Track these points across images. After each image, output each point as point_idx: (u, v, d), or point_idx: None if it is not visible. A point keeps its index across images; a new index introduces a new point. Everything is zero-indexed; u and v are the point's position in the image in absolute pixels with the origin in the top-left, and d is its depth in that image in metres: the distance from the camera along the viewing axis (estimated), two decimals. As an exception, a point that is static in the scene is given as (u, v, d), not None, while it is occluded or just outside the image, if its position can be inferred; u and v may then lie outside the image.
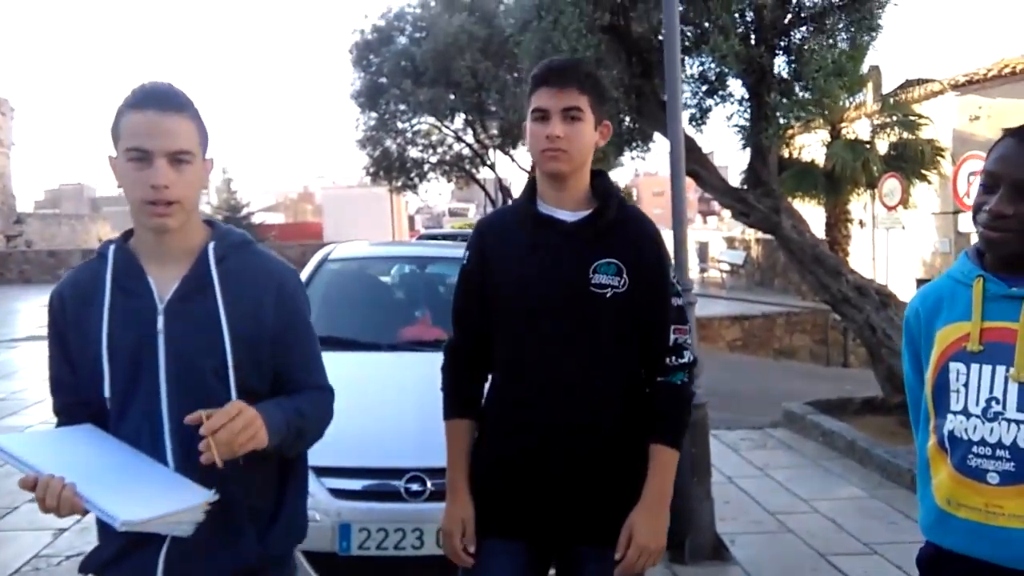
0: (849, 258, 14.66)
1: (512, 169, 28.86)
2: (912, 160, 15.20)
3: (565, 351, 1.85)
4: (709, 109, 6.55)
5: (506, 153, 23.41)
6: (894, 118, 15.73)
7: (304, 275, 4.35)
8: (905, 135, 15.53)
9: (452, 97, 19.93)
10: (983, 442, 1.54)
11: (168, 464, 1.54)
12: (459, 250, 6.03)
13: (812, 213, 13.17)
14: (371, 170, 23.67)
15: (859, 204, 16.77)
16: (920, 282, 16.84)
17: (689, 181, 5.33)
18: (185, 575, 1.56)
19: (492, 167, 24.75)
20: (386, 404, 3.31)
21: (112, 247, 1.64)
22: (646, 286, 1.87)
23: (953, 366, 1.59)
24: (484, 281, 1.94)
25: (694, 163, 6.15)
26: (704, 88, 6.54)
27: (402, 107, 21.24)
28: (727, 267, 22.28)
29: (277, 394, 1.63)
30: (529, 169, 22.62)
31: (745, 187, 6.89)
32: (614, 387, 1.87)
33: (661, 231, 2.04)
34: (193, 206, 1.60)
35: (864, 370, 11.94)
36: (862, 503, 4.99)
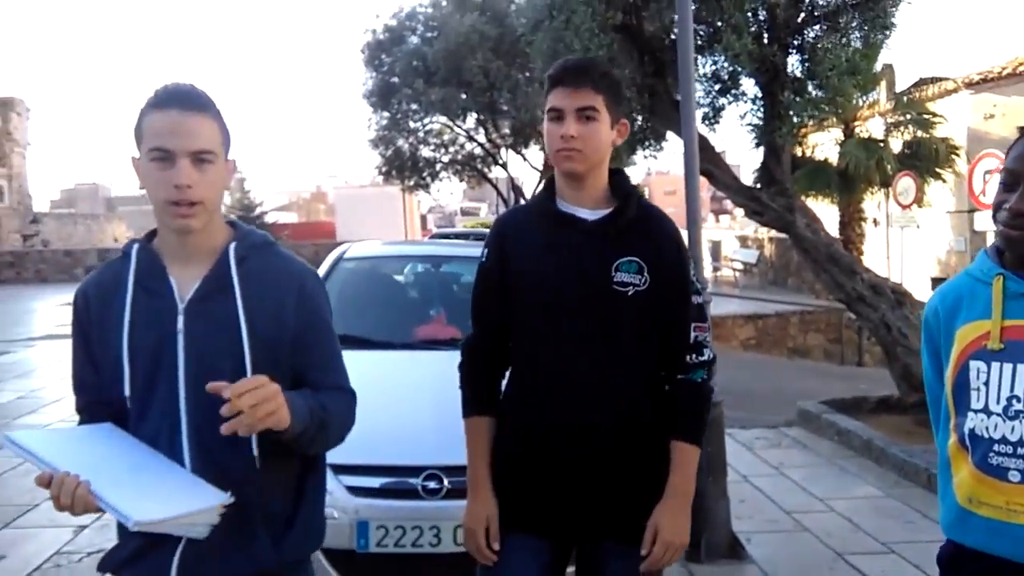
0: (863, 257, 14.60)
1: (524, 168, 28.83)
2: (926, 158, 15.12)
3: (587, 349, 1.86)
4: (722, 108, 6.54)
5: (518, 152, 23.42)
6: (908, 116, 15.65)
7: (319, 274, 4.38)
8: (919, 133, 15.45)
9: (464, 96, 19.96)
10: (1004, 440, 1.54)
11: (185, 465, 1.53)
12: (473, 249, 6.09)
13: (825, 212, 13.11)
14: (383, 169, 23.72)
15: (873, 203, 16.69)
16: (935, 281, 16.75)
17: (702, 180, 5.32)
18: None
19: (504, 166, 24.76)
20: (403, 402, 3.33)
21: (136, 246, 1.64)
22: (667, 284, 1.88)
23: (973, 364, 1.59)
24: (503, 279, 1.95)
25: (707, 162, 6.14)
26: (717, 87, 6.53)
27: (414, 107, 21.28)
28: (740, 266, 22.21)
29: None
30: (541, 168, 22.65)
31: (759, 186, 6.87)
32: (635, 384, 1.88)
33: None
34: (216, 206, 1.60)
35: (879, 369, 11.88)
36: (878, 502, 4.97)
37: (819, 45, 5.90)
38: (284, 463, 1.61)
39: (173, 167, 1.51)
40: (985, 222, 9.12)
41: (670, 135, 6.95)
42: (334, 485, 2.93)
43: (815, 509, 4.85)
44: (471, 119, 22.41)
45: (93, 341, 1.61)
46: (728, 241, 25.64)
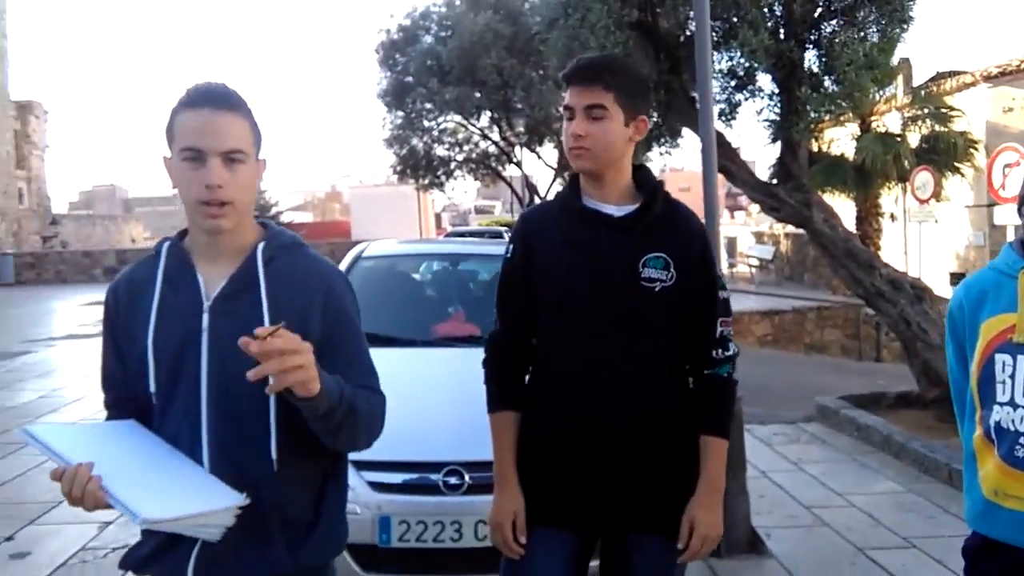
0: (880, 252, 14.51)
1: (539, 166, 28.84)
2: (944, 153, 15.00)
3: (612, 344, 1.86)
4: (738, 104, 6.52)
5: (532, 150, 23.43)
6: (925, 110, 15.54)
7: (340, 273, 4.41)
8: (937, 127, 15.33)
9: (478, 95, 20.01)
10: (1030, 432, 1.54)
11: (203, 464, 1.52)
12: (490, 247, 6.11)
13: (842, 207, 13.05)
14: (398, 169, 23.82)
15: (890, 198, 16.58)
16: (954, 276, 16.61)
17: (718, 177, 5.31)
18: None
19: (519, 164, 24.77)
20: (423, 399, 3.35)
21: (166, 244, 1.65)
22: (694, 280, 1.89)
23: (999, 357, 1.59)
24: (527, 274, 1.95)
25: (724, 158, 6.13)
26: (733, 83, 6.51)
27: (428, 106, 21.35)
28: (756, 262, 22.12)
29: None
30: (556, 166, 22.64)
31: (775, 181, 6.84)
32: (661, 379, 1.89)
33: None
34: (246, 207, 1.59)
35: (897, 365, 11.80)
36: (899, 497, 4.96)
37: (836, 40, 5.87)
38: (304, 467, 1.58)
39: (204, 167, 1.50)
40: (1005, 216, 9.04)
41: (685, 131, 6.94)
42: (356, 481, 2.96)
43: (835, 504, 4.84)
44: (485, 117, 22.48)
45: (121, 337, 1.62)
46: (744, 237, 25.54)
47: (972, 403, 1.67)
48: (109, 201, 59.30)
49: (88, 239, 34.17)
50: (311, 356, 1.37)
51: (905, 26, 5.98)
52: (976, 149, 15.31)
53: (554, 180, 24.47)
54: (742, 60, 6.18)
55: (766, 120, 6.44)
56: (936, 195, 13.22)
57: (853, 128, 15.83)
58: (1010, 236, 10.04)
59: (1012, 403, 1.57)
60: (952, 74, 17.33)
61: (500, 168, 25.78)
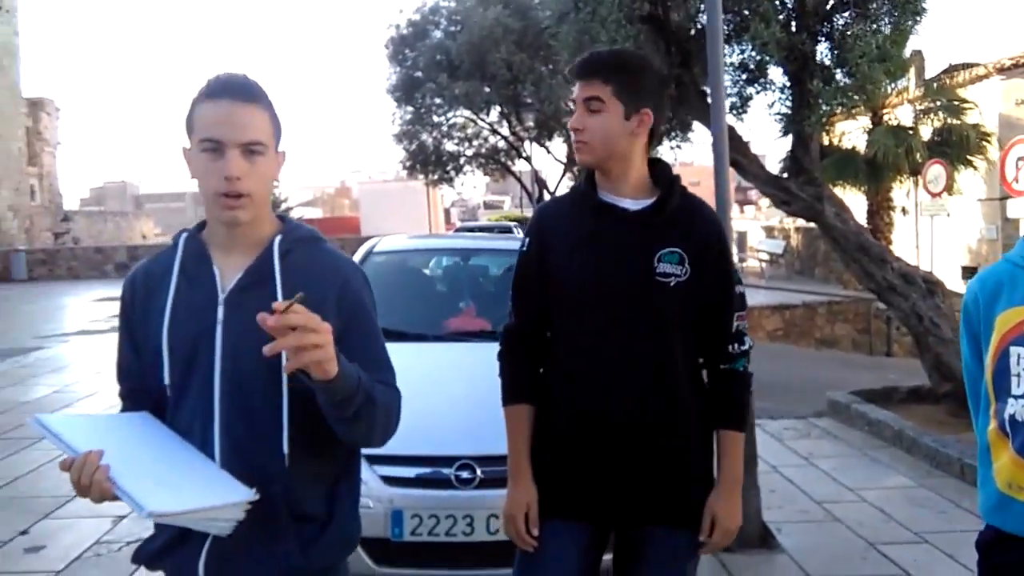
0: (892, 246, 14.44)
1: (548, 161, 28.80)
2: (957, 146, 14.92)
3: (626, 338, 1.86)
4: (750, 98, 6.49)
5: (542, 145, 23.40)
6: (938, 103, 15.45)
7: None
8: (949, 120, 15.24)
9: (487, 90, 20.01)
10: (1045, 426, 1.54)
11: (215, 458, 1.50)
12: (501, 242, 6.11)
13: (853, 201, 13.00)
14: (407, 164, 23.84)
15: (901, 191, 16.50)
16: (966, 270, 16.54)
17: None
18: (225, 574, 1.52)
19: (528, 159, 24.75)
20: (435, 393, 3.36)
21: (184, 236, 1.64)
22: (710, 275, 1.88)
23: (1014, 350, 1.58)
24: (542, 267, 1.95)
25: (735, 152, 6.10)
26: (744, 77, 6.49)
27: (438, 101, 21.37)
28: (766, 256, 22.05)
29: None
30: (565, 160, 22.62)
31: (786, 175, 6.82)
32: (676, 373, 1.89)
33: None
34: (264, 199, 1.57)
35: (908, 359, 11.76)
36: (910, 492, 4.94)
37: (848, 32, 5.84)
38: (317, 464, 1.56)
39: (223, 158, 1.49)
40: (1018, 209, 8.99)
41: (696, 125, 6.92)
42: (368, 475, 2.98)
43: (846, 499, 4.83)
44: (495, 112, 22.48)
45: (137, 328, 1.61)
46: (753, 231, 25.46)
47: (987, 396, 1.66)
48: (120, 198, 59.63)
49: (99, 235, 34.35)
50: (330, 336, 1.34)
51: (918, 18, 5.94)
52: (989, 142, 15.22)
53: (564, 175, 24.46)
54: (753, 53, 6.16)
55: (777, 114, 6.42)
56: (948, 188, 13.15)
57: (865, 121, 15.75)
58: (1023, 230, 9.98)
59: (1027, 396, 1.56)
60: (965, 66, 17.23)
61: (509, 163, 25.79)
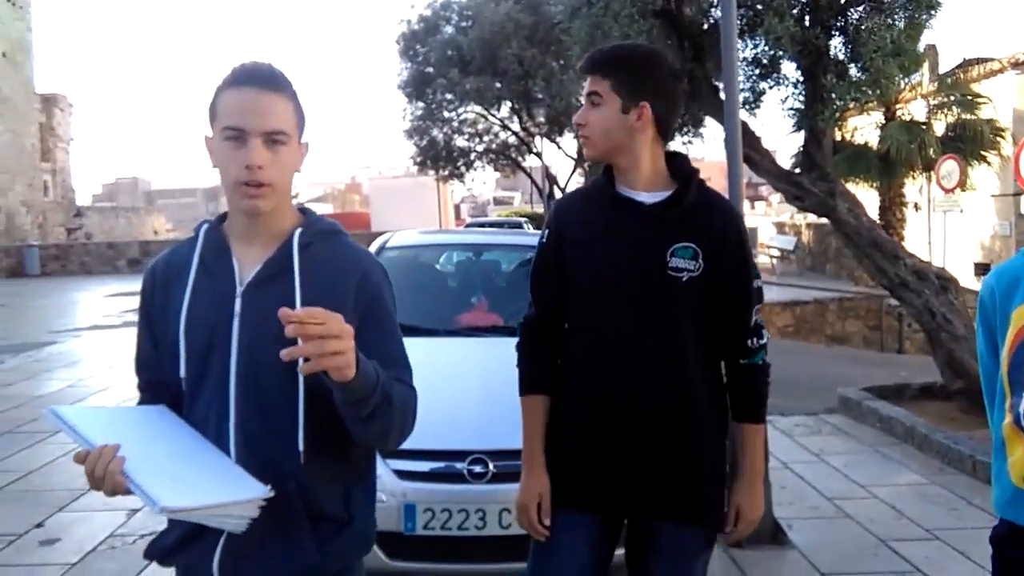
0: (904, 242, 14.37)
1: (559, 156, 28.70)
2: (970, 141, 14.83)
3: (639, 332, 1.87)
4: (763, 93, 6.48)
5: (552, 140, 23.36)
6: (952, 98, 15.36)
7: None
8: (963, 115, 15.15)
9: (498, 85, 19.99)
10: (1061, 421, 1.53)
11: (230, 453, 1.48)
12: (513, 237, 6.11)
13: (865, 197, 12.95)
14: (418, 160, 23.84)
15: (914, 187, 16.41)
16: (979, 266, 16.44)
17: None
18: (240, 571, 1.51)
19: (539, 155, 24.71)
20: (448, 388, 3.37)
21: (205, 227, 1.62)
22: (726, 269, 1.87)
23: (1030, 345, 1.58)
24: (560, 259, 1.96)
25: (747, 147, 6.08)
26: (757, 72, 6.47)
27: (449, 96, 21.36)
28: (777, 252, 21.98)
29: None
30: (576, 156, 22.59)
31: (799, 171, 6.80)
32: (689, 368, 1.88)
33: None
34: (286, 190, 1.56)
35: (919, 356, 11.70)
36: (922, 489, 4.92)
37: (863, 27, 5.80)
38: (333, 462, 1.54)
39: (245, 147, 1.47)
40: (1032, 205, 8.91)
41: (708, 120, 6.91)
42: (382, 469, 2.98)
43: (857, 496, 4.81)
44: (505, 108, 22.45)
45: (155, 319, 1.59)
46: (764, 227, 25.37)
47: (1002, 390, 1.65)
48: (132, 193, 60.01)
49: (111, 231, 34.54)
50: (351, 342, 1.31)
51: (932, 12, 5.91)
52: (1003, 137, 15.12)
53: (574, 171, 24.42)
54: (767, 48, 6.14)
55: (790, 109, 6.40)
56: (962, 184, 13.07)
57: (878, 116, 15.68)
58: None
59: (1043, 391, 1.56)
60: (979, 61, 17.13)
61: (520, 159, 25.77)
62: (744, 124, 6.24)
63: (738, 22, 5.65)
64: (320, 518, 1.52)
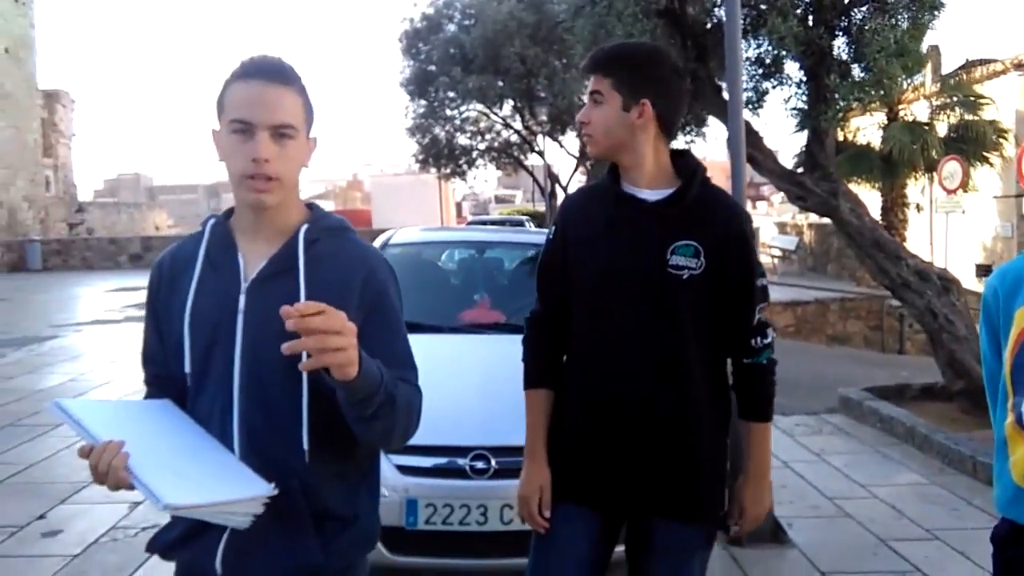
0: (906, 243, 14.37)
1: (560, 155, 28.62)
2: (973, 142, 14.83)
3: (639, 329, 1.87)
4: (766, 92, 6.48)
5: (555, 139, 23.35)
6: (954, 99, 15.35)
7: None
8: (966, 116, 15.15)
9: (501, 84, 19.98)
10: (1062, 420, 1.54)
11: (234, 449, 1.48)
12: (516, 235, 6.12)
13: (867, 197, 12.95)
14: (420, 157, 23.83)
15: (916, 188, 16.41)
16: (980, 267, 16.44)
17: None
18: (243, 568, 1.50)
19: (541, 154, 24.71)
20: (450, 384, 3.37)
21: (211, 221, 1.61)
22: (730, 267, 1.86)
23: (1033, 344, 1.58)
24: (564, 254, 1.97)
25: (750, 147, 6.09)
26: (760, 71, 6.47)
27: (451, 94, 21.35)
28: (778, 252, 21.97)
29: None
30: (578, 155, 22.59)
31: (801, 170, 6.80)
32: (689, 366, 1.88)
33: None
34: (293, 184, 1.54)
35: (920, 357, 11.70)
36: (922, 489, 4.93)
37: (866, 27, 5.81)
38: (337, 460, 1.53)
39: (252, 140, 1.45)
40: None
41: (711, 120, 6.92)
42: (384, 464, 2.97)
43: (857, 495, 4.82)
44: (508, 106, 22.44)
45: (161, 313, 1.59)
46: (766, 227, 25.36)
47: (1005, 390, 1.66)
48: (133, 189, 60.05)
49: (113, 227, 34.52)
50: (353, 339, 1.29)
51: (936, 12, 5.92)
52: (1005, 138, 15.12)
53: (576, 169, 24.42)
54: (770, 48, 6.14)
55: (793, 109, 6.41)
56: (964, 185, 13.06)
57: (880, 117, 15.68)
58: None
59: (1045, 390, 1.56)
60: (982, 62, 17.13)
61: (522, 157, 25.77)
62: (747, 124, 6.25)
63: (741, 22, 5.67)
64: (324, 516, 1.51)
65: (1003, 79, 15.98)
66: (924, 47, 6.59)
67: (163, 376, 1.59)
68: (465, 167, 24.48)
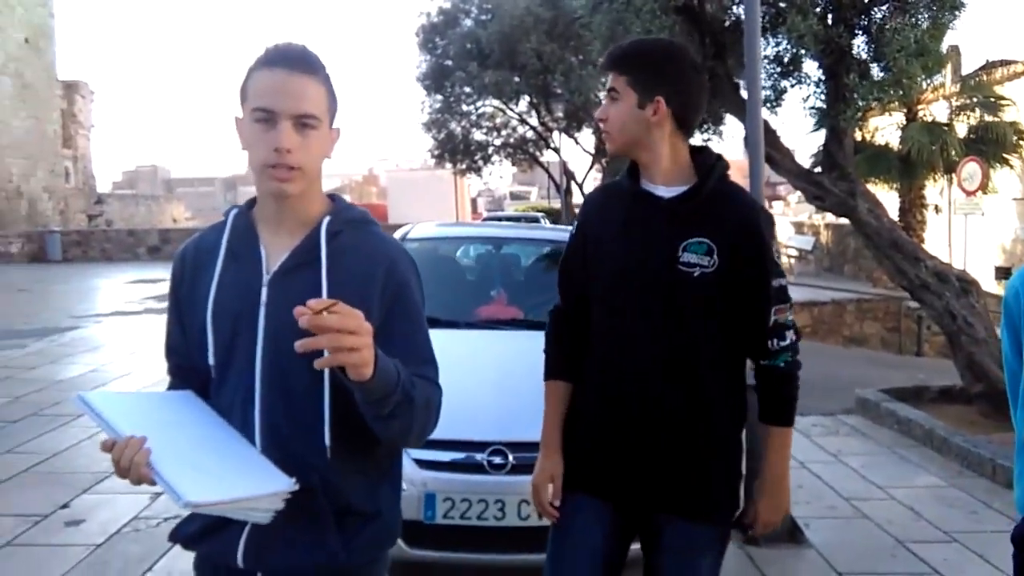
0: (924, 244, 14.27)
1: (576, 152, 28.57)
2: (993, 143, 14.71)
3: (650, 327, 1.86)
4: (784, 91, 6.46)
5: (571, 136, 23.32)
6: (974, 100, 15.23)
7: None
8: (986, 117, 15.03)
9: (517, 79, 19.96)
10: (1085, 421, 1.54)
11: (255, 441, 1.47)
12: (533, 231, 6.13)
13: (885, 198, 12.86)
14: (436, 153, 23.87)
15: (934, 189, 16.28)
16: (999, 269, 16.29)
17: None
18: (264, 562, 1.50)
19: (556, 150, 24.69)
20: (469, 379, 3.39)
21: (234, 212, 1.60)
22: (743, 267, 1.84)
23: (1056, 346, 1.58)
24: (584, 251, 1.99)
25: (767, 146, 6.05)
26: (779, 70, 6.45)
27: (467, 90, 21.36)
28: (795, 252, 21.86)
29: None
30: (594, 151, 22.56)
31: (819, 170, 6.77)
32: (700, 364, 1.87)
33: None
34: (315, 174, 1.52)
35: (938, 359, 11.62)
36: (940, 491, 4.91)
37: (886, 26, 5.77)
38: (360, 456, 1.52)
39: (275, 129, 1.43)
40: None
41: (728, 118, 6.90)
42: (403, 458, 3.02)
43: (875, 497, 4.81)
44: (524, 102, 22.43)
45: (184, 305, 1.58)
46: (782, 227, 25.23)
47: (1027, 392, 1.66)
48: (151, 181, 60.45)
49: (131, 218, 34.79)
50: (369, 339, 1.27)
51: (956, 12, 5.87)
52: (1026, 140, 14.97)
53: (592, 166, 24.40)
54: (789, 46, 6.12)
55: (812, 108, 6.38)
56: (983, 187, 12.96)
57: (899, 117, 15.57)
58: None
59: (1069, 393, 1.56)
60: (1002, 63, 16.96)
61: (537, 153, 25.76)
62: (765, 123, 6.23)
63: (760, 19, 5.64)
64: (346, 512, 1.51)
65: (1023, 80, 15.83)
66: (944, 47, 6.56)
67: (186, 367, 1.59)
68: (481, 163, 24.51)
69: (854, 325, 14.74)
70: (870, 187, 13.06)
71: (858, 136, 13.51)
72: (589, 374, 1.99)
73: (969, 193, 12.76)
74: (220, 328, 1.51)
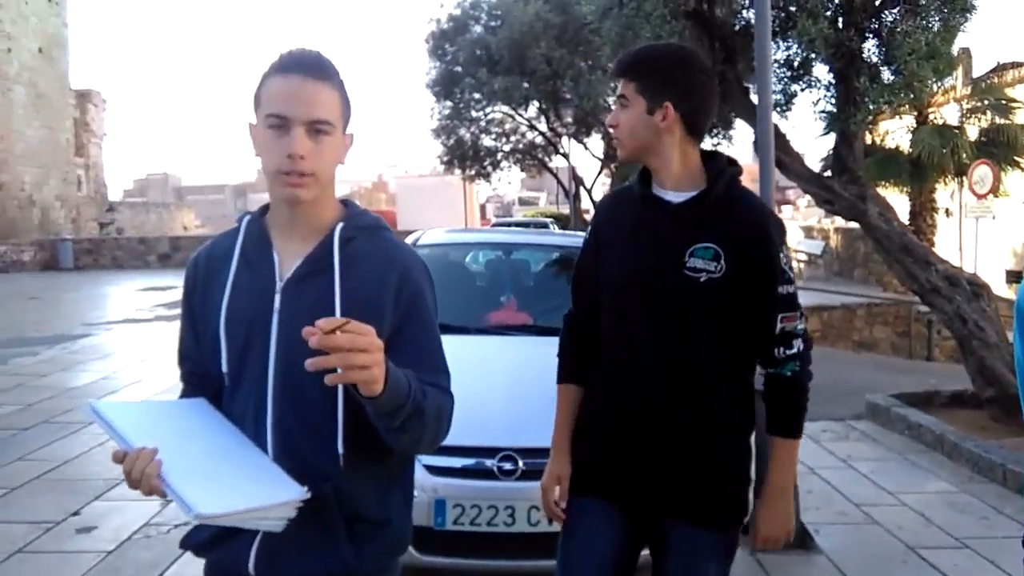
0: (935, 248, 14.20)
1: (585, 157, 28.67)
2: (1004, 146, 14.62)
3: (657, 332, 1.87)
4: (794, 95, 6.45)
5: (580, 141, 23.34)
6: (986, 102, 15.14)
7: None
8: (997, 120, 14.93)
9: (526, 85, 20.00)
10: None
11: (267, 450, 1.47)
12: (543, 237, 6.14)
13: (895, 202, 12.79)
14: (445, 159, 23.93)
15: (945, 192, 16.21)
16: (1011, 273, 16.20)
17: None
18: (275, 570, 1.50)
19: (566, 156, 24.71)
20: (479, 385, 3.37)
21: (247, 219, 1.60)
22: (750, 273, 1.83)
23: (1068, 351, 1.57)
24: (597, 260, 2.00)
25: (777, 150, 6.04)
26: (789, 74, 6.44)
27: (477, 96, 21.41)
28: (804, 257, 21.78)
29: None
30: (603, 157, 22.57)
31: (829, 174, 6.75)
32: (705, 371, 1.86)
33: None
34: (329, 181, 1.52)
35: (949, 364, 11.56)
36: (951, 497, 4.88)
37: (897, 29, 5.75)
38: (372, 463, 1.52)
39: (288, 135, 1.43)
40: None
41: (737, 122, 6.89)
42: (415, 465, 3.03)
43: (885, 502, 4.78)
44: (533, 108, 22.47)
45: (197, 311, 1.58)
46: (792, 231, 25.16)
47: (1039, 397, 1.65)
48: (162, 189, 60.83)
49: (142, 226, 34.96)
50: (380, 355, 1.27)
51: (967, 15, 5.85)
52: (1037, 143, 14.87)
53: (600, 171, 24.39)
54: (799, 50, 6.11)
55: (822, 111, 6.36)
56: (994, 190, 12.88)
57: (909, 120, 15.49)
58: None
59: (1081, 398, 1.55)
60: (1013, 65, 16.88)
61: (547, 159, 25.79)
62: (774, 126, 6.22)
63: (771, 23, 5.64)
64: (356, 519, 1.50)
65: (1036, 82, 15.74)
66: (955, 49, 6.52)
67: (199, 374, 1.59)
68: (490, 169, 24.56)
69: (864, 330, 14.67)
70: (880, 191, 12.95)
71: (868, 139, 13.46)
72: (598, 378, 2.00)
73: (980, 196, 12.69)
74: (233, 335, 1.51)
